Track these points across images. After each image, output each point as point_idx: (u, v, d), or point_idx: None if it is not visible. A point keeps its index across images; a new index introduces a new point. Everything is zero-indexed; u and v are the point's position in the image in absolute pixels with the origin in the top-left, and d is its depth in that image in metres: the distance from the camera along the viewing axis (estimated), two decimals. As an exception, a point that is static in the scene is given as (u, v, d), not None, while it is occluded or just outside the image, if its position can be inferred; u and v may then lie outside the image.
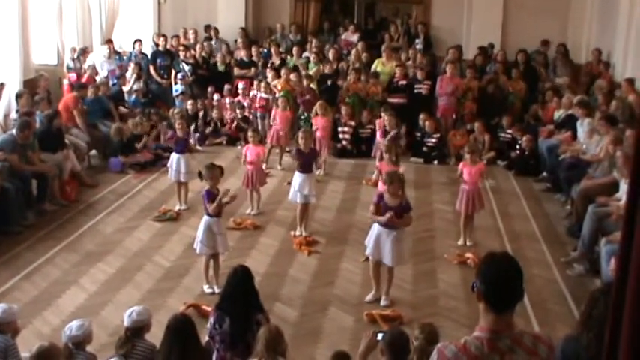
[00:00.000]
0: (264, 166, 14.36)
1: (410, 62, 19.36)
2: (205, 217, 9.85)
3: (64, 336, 6.64)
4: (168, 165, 13.32)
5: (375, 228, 9.46)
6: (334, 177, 15.46)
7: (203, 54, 20.25)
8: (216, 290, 9.30)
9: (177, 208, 13.06)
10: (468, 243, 11.67)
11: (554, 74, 19.26)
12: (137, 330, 6.83)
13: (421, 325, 6.47)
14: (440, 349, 3.92)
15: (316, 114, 15.88)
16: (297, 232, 11.92)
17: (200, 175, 10.12)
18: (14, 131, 12.67)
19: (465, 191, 11.67)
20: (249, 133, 13.42)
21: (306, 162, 12.00)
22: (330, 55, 19.82)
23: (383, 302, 9.48)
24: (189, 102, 18.31)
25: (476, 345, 3.83)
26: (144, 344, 6.79)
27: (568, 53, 19.98)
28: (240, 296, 7.13)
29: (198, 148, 17.06)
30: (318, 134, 15.44)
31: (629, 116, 14.18)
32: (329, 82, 18.31)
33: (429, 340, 5.82)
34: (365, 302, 9.52)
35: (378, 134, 15.70)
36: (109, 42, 19.27)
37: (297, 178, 11.98)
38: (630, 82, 15.43)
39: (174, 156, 13.16)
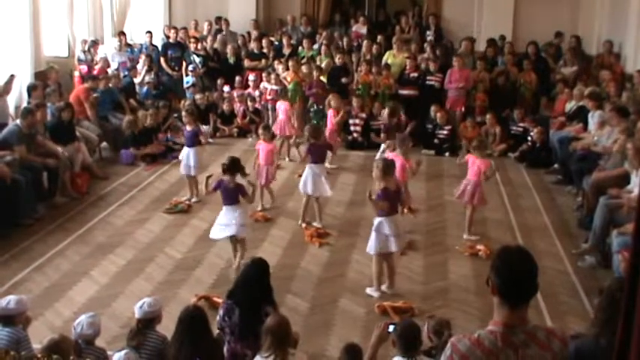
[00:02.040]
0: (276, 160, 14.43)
1: (426, 55, 19.24)
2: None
3: (74, 333, 6.63)
4: (180, 158, 13.36)
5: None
6: (345, 169, 15.44)
7: (215, 46, 20.26)
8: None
9: (184, 198, 13.13)
10: (465, 236, 11.71)
11: (565, 65, 19.14)
12: (148, 321, 6.86)
13: (436, 318, 6.50)
14: (453, 343, 3.91)
15: (329, 105, 15.87)
16: (316, 224, 11.99)
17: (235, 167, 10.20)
18: (18, 121, 12.66)
19: (469, 182, 11.64)
20: (260, 130, 13.40)
21: (317, 154, 12.02)
22: (342, 45, 19.89)
23: (387, 290, 9.54)
24: (199, 95, 18.31)
25: (490, 339, 3.82)
26: (155, 335, 6.82)
27: (580, 45, 19.88)
28: (254, 288, 7.12)
29: (210, 140, 17.12)
30: (328, 126, 15.52)
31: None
32: (343, 80, 18.25)
33: (450, 335, 5.85)
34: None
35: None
36: (121, 34, 19.29)
37: (308, 169, 12.03)
38: (643, 73, 15.39)
39: (185, 149, 13.20)
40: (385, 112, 14.83)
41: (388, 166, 9.54)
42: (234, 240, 10.11)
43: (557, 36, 20.20)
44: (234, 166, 10.10)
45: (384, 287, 9.58)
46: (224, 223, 10.05)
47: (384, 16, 23.88)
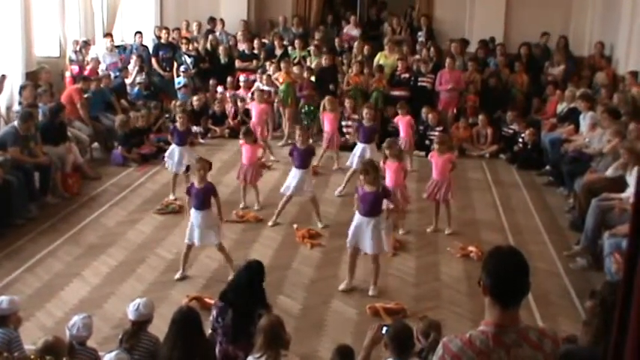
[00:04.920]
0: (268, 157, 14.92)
1: (417, 56, 19.29)
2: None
3: (69, 334, 6.61)
4: (166, 156, 13.42)
5: (356, 218, 9.56)
6: (337, 170, 15.41)
7: (207, 46, 20.26)
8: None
9: (172, 197, 13.18)
10: (447, 231, 11.91)
11: (553, 66, 19.18)
12: (142, 323, 6.85)
13: (426, 320, 6.51)
14: (445, 343, 3.91)
15: (324, 109, 15.88)
16: (270, 223, 12.08)
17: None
18: (16, 123, 12.65)
19: (433, 180, 11.91)
20: (241, 134, 13.42)
21: (302, 158, 12.06)
22: (335, 45, 20.09)
23: (371, 292, 9.57)
24: (195, 97, 18.30)
25: (481, 339, 3.82)
26: (147, 337, 6.82)
27: (568, 45, 19.92)
28: (246, 291, 7.11)
29: (201, 141, 17.16)
30: (327, 129, 15.60)
31: (633, 109, 14.18)
32: (330, 87, 18.16)
33: (440, 334, 5.87)
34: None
35: (402, 132, 15.68)
36: (109, 35, 19.20)
37: (293, 173, 12.09)
38: (634, 75, 15.42)
39: (175, 148, 13.26)
40: (364, 113, 14.81)
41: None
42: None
43: (542, 35, 20.18)
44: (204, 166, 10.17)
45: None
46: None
47: (376, 15, 23.89)
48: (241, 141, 13.09)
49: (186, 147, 13.33)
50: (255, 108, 16.35)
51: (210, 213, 10.00)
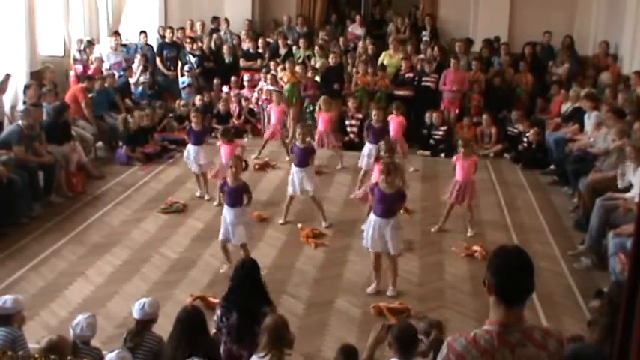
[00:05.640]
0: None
1: (422, 56, 19.28)
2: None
3: (73, 333, 6.62)
4: (185, 157, 13.50)
5: (373, 221, 9.49)
6: (341, 169, 15.41)
7: (211, 45, 20.26)
8: None
9: (198, 194, 13.40)
10: (469, 233, 11.80)
11: (557, 66, 19.16)
12: (147, 322, 6.85)
13: (426, 319, 6.51)
14: (449, 342, 3.89)
15: (319, 109, 15.88)
16: (281, 221, 12.14)
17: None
18: (20, 122, 12.66)
19: (457, 183, 11.81)
20: (219, 135, 13.47)
21: (300, 156, 12.07)
22: (337, 46, 19.99)
23: (390, 292, 9.54)
24: (197, 97, 18.29)
25: (486, 338, 3.81)
26: (151, 336, 6.81)
27: (572, 45, 19.86)
28: (247, 289, 7.10)
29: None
30: (320, 128, 15.65)
31: (637, 109, 14.16)
32: (335, 86, 18.08)
33: (442, 333, 5.86)
34: (370, 294, 9.54)
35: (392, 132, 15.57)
36: (116, 34, 19.22)
37: (293, 171, 12.11)
38: (639, 74, 15.37)
39: (190, 148, 13.36)
40: (373, 114, 14.76)
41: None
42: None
43: (544, 34, 20.10)
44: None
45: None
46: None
47: (380, 14, 23.90)
48: (219, 141, 13.13)
49: (203, 146, 13.40)
50: (273, 110, 16.31)
51: (241, 211, 10.02)
